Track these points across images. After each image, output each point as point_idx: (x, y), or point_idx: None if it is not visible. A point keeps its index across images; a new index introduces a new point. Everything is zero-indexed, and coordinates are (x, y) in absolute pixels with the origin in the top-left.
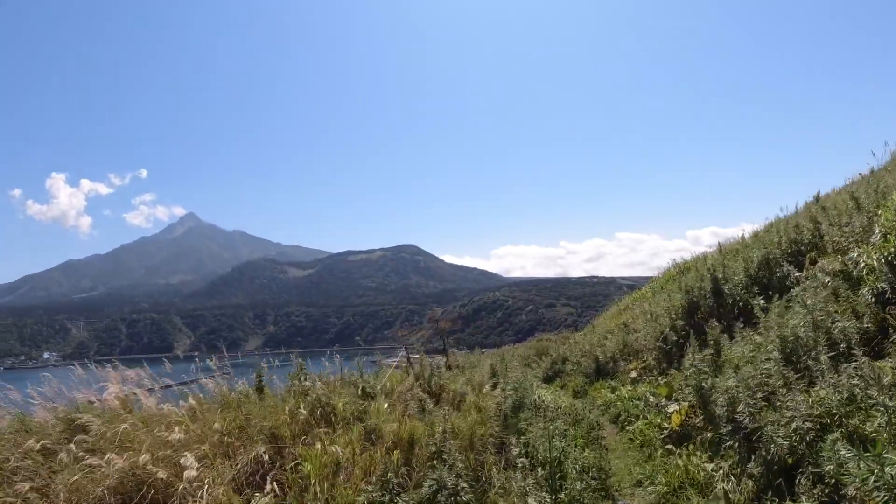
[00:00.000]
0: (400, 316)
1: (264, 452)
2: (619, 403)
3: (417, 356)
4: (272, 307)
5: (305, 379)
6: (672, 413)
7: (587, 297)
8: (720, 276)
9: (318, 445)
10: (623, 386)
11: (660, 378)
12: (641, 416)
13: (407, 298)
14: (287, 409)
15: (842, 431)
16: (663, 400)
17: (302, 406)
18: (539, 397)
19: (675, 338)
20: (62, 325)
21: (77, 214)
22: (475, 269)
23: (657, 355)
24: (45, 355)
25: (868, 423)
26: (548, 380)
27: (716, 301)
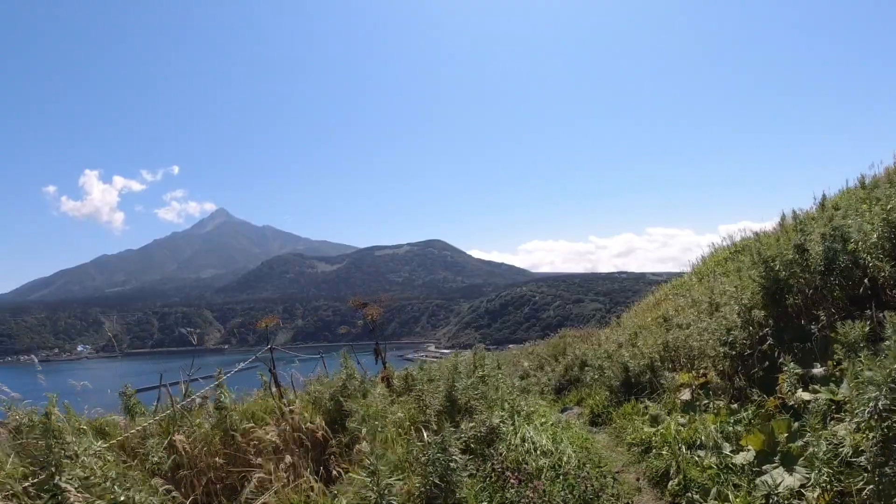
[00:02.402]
0: (427, 310)
1: None
2: (664, 450)
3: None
4: (301, 301)
5: None
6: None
7: (616, 292)
8: (836, 234)
9: None
10: (669, 413)
11: (735, 405)
12: (714, 488)
13: (434, 293)
14: None
15: None
16: (754, 456)
17: None
18: (526, 438)
19: (750, 338)
20: (95, 318)
21: (110, 210)
22: (503, 264)
23: (725, 365)
24: (79, 348)
25: None
26: (560, 390)
27: (823, 277)
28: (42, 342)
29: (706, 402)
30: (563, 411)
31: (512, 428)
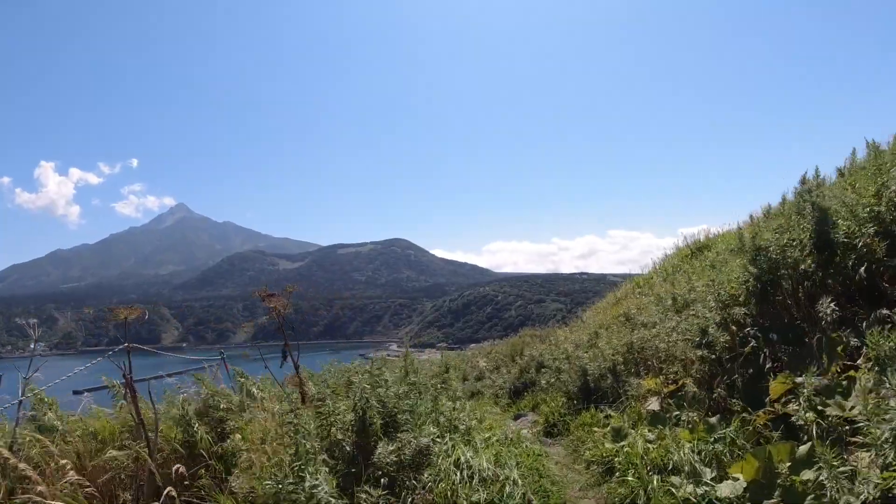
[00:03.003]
0: (390, 309)
1: None
2: (629, 473)
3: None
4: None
5: None
6: None
7: (577, 293)
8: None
9: None
10: (635, 426)
11: (713, 418)
12: None
13: (397, 292)
14: None
15: None
16: (745, 488)
17: None
18: (462, 462)
19: (731, 339)
20: (49, 314)
21: (66, 204)
22: (466, 263)
23: (701, 370)
24: (32, 346)
25: None
26: (516, 394)
27: (820, 263)
28: None
29: (678, 413)
30: (516, 418)
31: (445, 449)
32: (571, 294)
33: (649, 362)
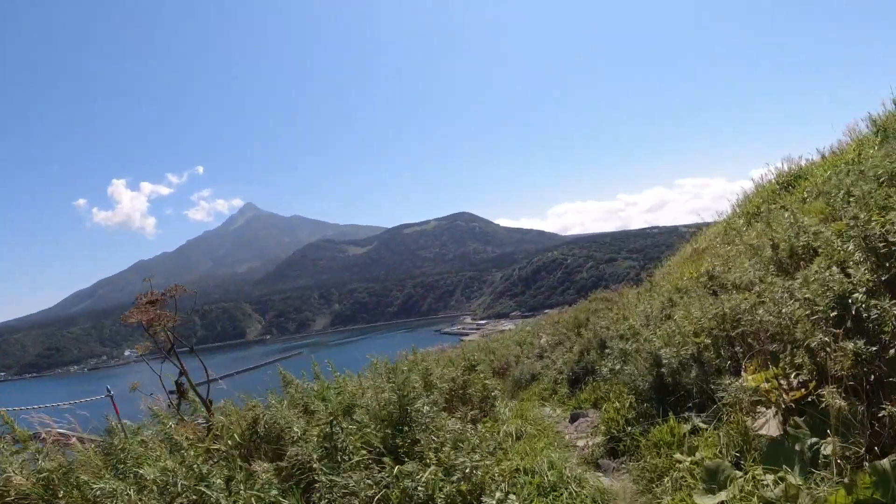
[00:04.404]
0: (460, 284)
1: None
2: None
3: None
4: (336, 286)
5: None
6: None
7: (649, 248)
8: None
9: None
10: (739, 463)
11: (884, 461)
12: None
13: (466, 266)
14: None
15: None
16: None
17: None
18: None
19: None
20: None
21: (141, 216)
22: (532, 230)
23: (846, 365)
24: (126, 353)
25: None
26: (576, 381)
27: None
28: (90, 351)
29: (815, 442)
30: (573, 419)
31: None
32: (643, 250)
33: (750, 341)
